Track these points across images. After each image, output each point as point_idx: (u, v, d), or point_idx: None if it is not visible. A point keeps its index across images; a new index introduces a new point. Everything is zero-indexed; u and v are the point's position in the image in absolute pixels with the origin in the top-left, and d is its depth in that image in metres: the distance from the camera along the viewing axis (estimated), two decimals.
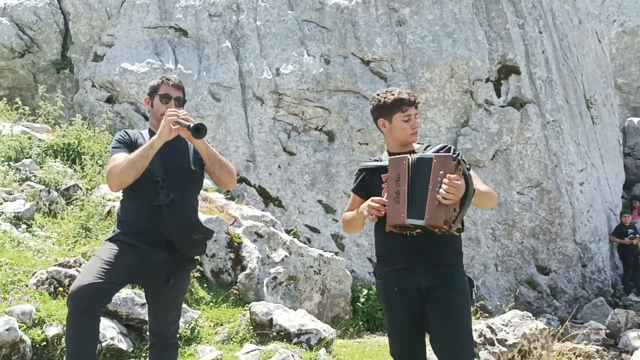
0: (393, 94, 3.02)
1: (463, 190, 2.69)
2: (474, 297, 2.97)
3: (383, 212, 2.83)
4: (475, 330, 4.96)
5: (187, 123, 2.97)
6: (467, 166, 2.84)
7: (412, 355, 2.94)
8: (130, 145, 3.09)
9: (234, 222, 6.37)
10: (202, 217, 4.56)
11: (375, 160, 3.14)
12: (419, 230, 2.79)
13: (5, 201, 5.59)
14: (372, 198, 2.90)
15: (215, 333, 4.89)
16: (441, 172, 2.70)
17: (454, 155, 2.76)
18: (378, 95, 3.09)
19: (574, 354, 5.46)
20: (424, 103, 8.77)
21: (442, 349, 2.79)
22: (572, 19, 12.27)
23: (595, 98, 11.84)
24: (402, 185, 2.77)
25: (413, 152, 2.99)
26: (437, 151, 2.97)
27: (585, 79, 11.64)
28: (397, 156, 2.89)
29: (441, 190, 2.68)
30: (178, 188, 3.01)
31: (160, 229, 2.96)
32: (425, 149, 3.05)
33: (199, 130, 2.95)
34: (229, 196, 7.37)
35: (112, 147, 3.16)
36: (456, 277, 2.89)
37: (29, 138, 6.92)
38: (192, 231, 3.00)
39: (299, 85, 8.53)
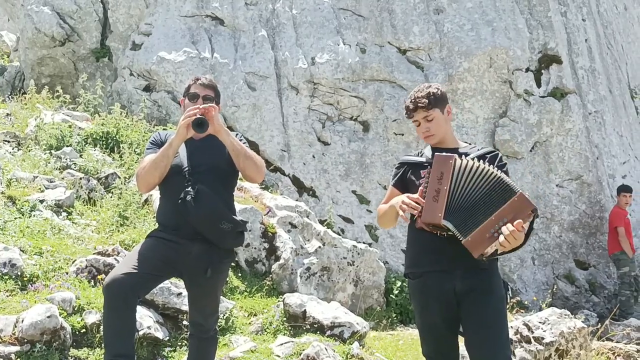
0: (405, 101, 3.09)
1: (520, 242, 2.61)
2: (508, 300, 2.89)
3: (416, 211, 2.74)
4: (512, 327, 4.88)
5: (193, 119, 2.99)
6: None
7: (445, 356, 2.91)
8: (162, 145, 3.13)
9: (268, 212, 6.40)
10: (237, 206, 4.57)
11: (417, 155, 3.07)
12: (450, 233, 2.72)
13: (46, 189, 5.73)
14: (407, 194, 2.81)
15: (249, 323, 4.94)
16: (513, 214, 2.60)
17: (534, 208, 2.65)
18: None
19: (613, 353, 5.33)
20: (462, 93, 8.61)
21: (479, 356, 2.73)
22: (617, 5, 11.86)
23: None
24: (444, 184, 2.69)
25: (460, 151, 2.92)
26: (483, 155, 2.90)
27: (630, 67, 11.27)
28: (444, 154, 2.81)
29: (504, 231, 2.59)
30: (205, 182, 3.04)
31: (189, 221, 3.00)
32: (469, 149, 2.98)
33: (200, 125, 2.98)
34: (263, 186, 7.39)
35: (146, 149, 3.25)
36: (492, 280, 2.82)
37: (70, 126, 7.06)
38: (219, 221, 3.01)
39: (335, 75, 8.47)
